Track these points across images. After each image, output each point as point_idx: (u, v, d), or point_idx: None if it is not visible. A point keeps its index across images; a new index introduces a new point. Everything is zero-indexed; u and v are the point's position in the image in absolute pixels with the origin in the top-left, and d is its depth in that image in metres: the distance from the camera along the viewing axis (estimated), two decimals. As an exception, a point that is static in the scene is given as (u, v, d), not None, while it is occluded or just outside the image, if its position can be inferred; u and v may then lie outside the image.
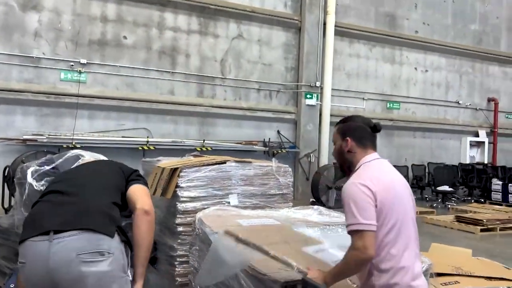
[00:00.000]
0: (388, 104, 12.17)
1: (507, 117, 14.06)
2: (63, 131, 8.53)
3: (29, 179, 3.73)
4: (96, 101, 8.79)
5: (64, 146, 8.18)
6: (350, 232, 1.79)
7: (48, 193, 2.13)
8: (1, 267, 3.68)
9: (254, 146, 9.98)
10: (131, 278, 1.86)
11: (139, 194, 2.16)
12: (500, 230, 7.49)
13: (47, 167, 3.81)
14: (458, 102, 13.18)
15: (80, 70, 8.69)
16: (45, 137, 8.22)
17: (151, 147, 9.10)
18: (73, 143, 8.32)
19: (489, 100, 13.69)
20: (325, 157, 10.57)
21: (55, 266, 1.67)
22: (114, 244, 1.74)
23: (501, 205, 10.47)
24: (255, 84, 10.39)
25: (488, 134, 13.64)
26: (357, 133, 2.03)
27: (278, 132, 10.58)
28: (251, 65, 10.36)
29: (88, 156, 3.93)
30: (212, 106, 9.82)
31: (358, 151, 2.01)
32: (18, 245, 1.86)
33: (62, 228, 1.73)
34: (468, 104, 13.37)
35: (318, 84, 10.71)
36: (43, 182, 3.71)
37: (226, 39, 10.09)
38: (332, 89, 10.74)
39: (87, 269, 1.66)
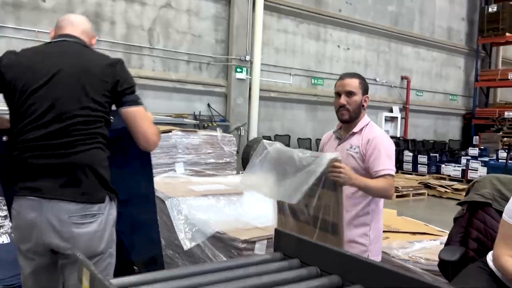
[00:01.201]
0: (312, 80, 12.64)
1: (417, 95, 15.28)
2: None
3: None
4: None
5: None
6: (384, 175, 2.16)
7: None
8: None
9: (185, 119, 9.89)
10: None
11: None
12: (412, 196, 8.28)
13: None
14: (375, 80, 14.03)
15: (-8, 34, 7.95)
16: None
17: None
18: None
19: (403, 78, 14.75)
20: (255, 131, 10.78)
21: (46, 225, 1.65)
22: (104, 204, 1.72)
23: (411, 174, 11.50)
24: (185, 56, 10.23)
25: (401, 110, 14.75)
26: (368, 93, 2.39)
27: (209, 105, 10.57)
28: (180, 35, 10.16)
29: None
30: (140, 77, 9.51)
31: (365, 109, 2.30)
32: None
33: (53, 195, 1.66)
34: (384, 81, 14.30)
35: (248, 58, 10.80)
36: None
37: (154, 7, 9.76)
38: (261, 63, 10.90)
39: (78, 231, 1.65)
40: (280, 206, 2.21)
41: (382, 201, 2.30)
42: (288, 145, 11.47)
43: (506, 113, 14.28)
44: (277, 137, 11.50)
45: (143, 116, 1.83)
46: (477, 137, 14.87)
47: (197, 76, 10.45)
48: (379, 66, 14.23)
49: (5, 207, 3.31)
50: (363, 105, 2.35)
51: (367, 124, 2.35)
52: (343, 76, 2.37)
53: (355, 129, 2.32)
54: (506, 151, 9.57)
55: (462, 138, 16.40)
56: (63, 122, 1.72)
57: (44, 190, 1.66)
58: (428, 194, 8.71)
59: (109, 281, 1.08)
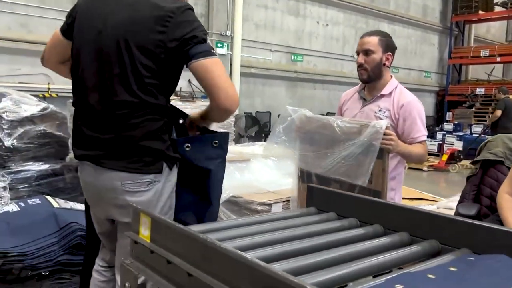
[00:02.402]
0: (292, 56, 12.63)
1: (394, 72, 15.51)
2: None
3: None
4: (-16, 42, 7.77)
5: (-51, 91, 7.18)
6: (421, 141, 2.20)
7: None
8: None
9: (166, 95, 9.76)
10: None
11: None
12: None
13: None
14: (353, 56, 14.13)
15: (-37, 5, 7.55)
16: None
17: (54, 95, 8.41)
18: (-39, 89, 7.33)
19: (379, 55, 14.92)
20: (235, 107, 10.74)
21: (102, 190, 1.64)
22: (161, 173, 1.64)
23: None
24: (164, 31, 10.02)
25: (377, 87, 14.96)
26: (394, 51, 2.26)
27: (189, 81, 10.43)
28: (160, 10, 9.93)
29: (15, 95, 3.61)
30: (119, 52, 9.29)
31: (389, 68, 2.24)
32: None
33: (106, 165, 1.63)
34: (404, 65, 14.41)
35: (228, 33, 10.68)
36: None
37: (133, -20, 9.47)
38: (241, 39, 10.80)
39: (132, 199, 1.58)
40: (303, 174, 2.19)
41: (404, 166, 2.35)
42: (269, 122, 11.52)
43: (477, 90, 14.71)
44: (258, 114, 11.52)
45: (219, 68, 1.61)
46: (450, 113, 15.29)
47: (177, 51, 10.27)
48: (357, 43, 14.31)
49: (4, 178, 3.23)
50: (384, 64, 2.28)
51: (396, 87, 2.30)
52: (363, 35, 2.35)
53: (384, 92, 2.27)
54: (483, 128, 9.89)
55: (436, 114, 16.83)
56: (107, 97, 1.65)
57: (98, 158, 1.63)
58: (408, 168, 8.95)
59: (179, 225, 1.08)
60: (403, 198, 3.67)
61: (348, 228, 1.45)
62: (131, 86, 1.58)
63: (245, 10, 11.14)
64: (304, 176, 2.20)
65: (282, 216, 1.54)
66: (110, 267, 1.90)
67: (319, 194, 1.67)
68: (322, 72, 13.24)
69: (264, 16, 11.90)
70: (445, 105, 16.31)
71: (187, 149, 1.70)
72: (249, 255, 1.00)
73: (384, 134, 1.91)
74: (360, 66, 2.27)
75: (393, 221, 1.42)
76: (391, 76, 2.34)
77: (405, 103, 2.24)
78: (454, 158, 9.17)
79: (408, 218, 1.39)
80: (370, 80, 2.29)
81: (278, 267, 0.94)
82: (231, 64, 10.75)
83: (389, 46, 2.31)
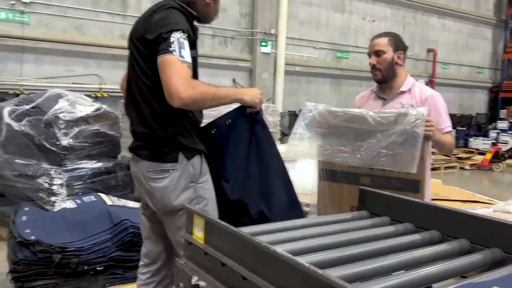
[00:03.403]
0: (337, 53, 12.44)
1: (443, 68, 14.96)
2: (7, 77, 7.90)
3: (7, 119, 3.54)
4: (42, 45, 8.17)
5: (10, 92, 7.60)
6: (448, 131, 2.22)
7: None
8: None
9: (211, 94, 9.89)
10: (206, 186, 1.84)
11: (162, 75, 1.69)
12: (444, 169, 8.19)
13: (27, 107, 3.62)
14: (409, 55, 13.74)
15: (22, 10, 7.97)
16: (-13, 82, 7.59)
17: (105, 94, 8.71)
18: (20, 89, 7.75)
19: (429, 50, 14.42)
20: (280, 106, 10.72)
21: (139, 177, 1.83)
22: (177, 162, 1.77)
23: (438, 148, 11.37)
24: (209, 30, 10.14)
25: (427, 84, 14.40)
26: (405, 50, 2.23)
27: (234, 80, 10.52)
28: (206, 10, 10.06)
29: (71, 96, 3.77)
30: (166, 52, 9.51)
31: (403, 66, 2.20)
32: None
33: (138, 155, 1.84)
34: (410, 54, 13.97)
35: (273, 31, 10.66)
36: (24, 122, 3.54)
37: (179, -18, 9.66)
38: (286, 37, 10.75)
39: (154, 185, 1.77)
40: (325, 172, 2.15)
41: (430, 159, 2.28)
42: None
43: (535, 86, 13.92)
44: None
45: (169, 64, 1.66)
46: (505, 110, 14.55)
47: (222, 50, 10.37)
48: (405, 39, 13.79)
49: (61, 176, 3.38)
50: (396, 62, 2.29)
51: (414, 84, 2.31)
52: (373, 37, 2.35)
53: (403, 88, 2.29)
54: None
55: (488, 112, 16.08)
56: (130, 94, 1.87)
57: (135, 149, 1.85)
58: (460, 168, 8.62)
59: (231, 226, 1.09)
60: (455, 200, 3.54)
61: (403, 233, 1.41)
62: (140, 80, 1.78)
63: (289, 7, 11.07)
64: (325, 174, 2.14)
65: (333, 219, 1.51)
66: (147, 264, 1.96)
67: (372, 197, 1.63)
68: (368, 69, 12.88)
69: (309, 13, 11.79)
70: (499, 102, 15.53)
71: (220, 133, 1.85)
72: (302, 260, 0.99)
73: (426, 121, 1.87)
74: (373, 68, 2.29)
75: (452, 227, 1.36)
76: (407, 75, 2.32)
77: (428, 96, 2.25)
78: (498, 157, 8.75)
79: (467, 224, 1.33)
80: (385, 80, 2.28)
81: (332, 274, 0.92)
82: (275, 63, 10.73)
83: (399, 45, 2.34)
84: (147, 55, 1.73)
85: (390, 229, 1.42)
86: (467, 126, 13.00)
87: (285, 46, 10.73)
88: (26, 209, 2.68)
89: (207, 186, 1.85)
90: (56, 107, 3.52)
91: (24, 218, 2.50)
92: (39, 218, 2.58)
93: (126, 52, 7.29)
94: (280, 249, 1.12)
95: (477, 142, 10.92)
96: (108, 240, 2.47)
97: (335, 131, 2.04)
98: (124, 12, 9.00)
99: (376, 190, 1.63)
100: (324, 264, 1.04)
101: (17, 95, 7.41)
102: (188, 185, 1.79)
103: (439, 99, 2.28)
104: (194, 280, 1.23)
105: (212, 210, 1.86)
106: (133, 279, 2.53)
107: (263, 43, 10.60)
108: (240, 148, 1.88)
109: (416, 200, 1.54)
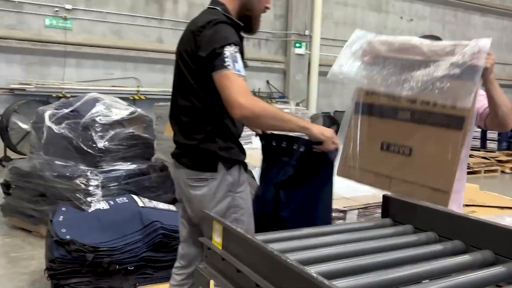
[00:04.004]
0: (373, 53, 12.23)
1: (486, 67, 14.41)
2: (51, 80, 8.27)
3: (48, 122, 3.70)
4: (83, 49, 8.50)
5: (54, 95, 7.97)
6: None
7: None
8: (25, 210, 3.69)
9: (245, 96, 9.96)
10: (244, 196, 1.87)
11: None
12: (484, 172, 7.90)
13: (66, 110, 3.77)
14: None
15: (65, 16, 8.32)
16: (33, 86, 7.97)
17: (142, 97, 8.97)
18: (63, 93, 8.10)
19: (470, 50, 13.93)
20: (314, 107, 10.67)
21: (180, 183, 1.89)
22: (217, 172, 1.79)
23: (479, 150, 10.95)
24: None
25: (467, 84, 13.99)
26: None
27: (268, 82, 10.56)
28: (240, 12, 10.15)
29: (107, 100, 3.90)
30: (202, 55, 9.66)
31: None
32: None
33: (179, 162, 1.88)
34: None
35: (307, 32, 10.62)
36: (63, 125, 3.69)
37: (214, -15, 9.79)
38: (320, 38, 10.69)
39: (193, 192, 1.81)
40: (361, 104, 1.99)
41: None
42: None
43: None
44: (336, 113, 11.33)
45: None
46: (553, 111, 13.83)
47: (256, 52, 10.43)
48: (445, 38, 13.27)
49: (97, 177, 3.50)
50: None
51: None
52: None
53: None
54: None
55: (534, 113, 15.33)
56: (174, 104, 1.89)
57: (176, 156, 1.90)
58: (502, 171, 8.29)
59: (247, 233, 1.11)
60: (492, 207, 3.41)
61: (425, 243, 1.38)
62: (184, 93, 1.81)
63: (324, 8, 11.00)
64: (361, 107, 1.99)
65: (354, 227, 1.51)
66: (183, 267, 2.00)
67: (394, 204, 1.61)
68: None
69: (344, 13, 11.67)
70: (547, 102, 14.79)
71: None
72: (314, 269, 1.00)
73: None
74: None
75: (476, 238, 1.33)
76: None
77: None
78: None
79: (491, 234, 1.29)
80: None
81: (342, 284, 0.93)
82: (309, 64, 10.69)
83: None
84: (194, 70, 1.75)
85: (411, 238, 1.40)
86: None
87: (319, 47, 10.66)
88: (63, 209, 2.80)
89: (244, 196, 1.87)
90: (93, 110, 3.66)
91: (61, 218, 2.62)
92: (74, 218, 2.69)
93: (162, 56, 7.60)
94: (295, 257, 1.14)
95: (521, 145, 10.45)
96: (139, 241, 2.55)
97: (383, 61, 1.87)
98: (160, 16, 9.22)
99: (401, 198, 1.61)
100: (336, 274, 1.04)
101: (60, 98, 7.75)
102: (227, 194, 1.81)
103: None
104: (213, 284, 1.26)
105: (248, 220, 1.88)
106: (163, 279, 2.60)
107: (297, 45, 10.59)
108: (301, 177, 1.88)
109: (441, 208, 1.51)
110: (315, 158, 1.80)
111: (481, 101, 1.99)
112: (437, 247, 1.34)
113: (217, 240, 1.25)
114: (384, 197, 1.66)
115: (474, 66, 1.66)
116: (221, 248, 1.22)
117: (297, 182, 1.89)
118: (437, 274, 1.15)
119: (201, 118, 1.78)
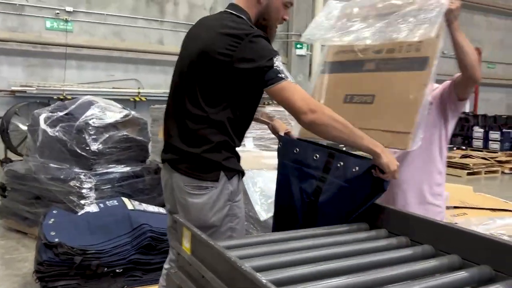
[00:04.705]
0: (375, 54, 12.21)
1: (489, 67, 14.33)
2: (52, 82, 8.33)
3: (43, 125, 3.73)
4: (84, 51, 8.55)
5: (55, 97, 8.01)
6: None
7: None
8: (20, 212, 3.73)
9: (245, 97, 9.97)
10: (240, 205, 1.85)
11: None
12: (484, 173, 7.87)
13: (60, 113, 3.80)
14: (443, 52, 13.15)
15: (66, 19, 8.38)
16: (34, 88, 8.03)
17: (143, 98, 9.00)
18: (64, 94, 8.16)
19: (473, 49, 13.86)
20: (315, 107, 10.65)
21: (173, 189, 1.83)
22: (218, 181, 1.76)
23: (482, 151, 10.90)
24: (245, 34, 10.24)
25: (470, 84, 13.92)
26: None
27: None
28: (241, 13, 10.17)
29: (101, 103, 3.93)
30: (202, 56, 9.68)
31: None
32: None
33: (175, 168, 1.81)
34: (453, 54, 13.42)
35: (308, 33, 10.62)
36: (58, 128, 3.72)
37: (215, -13, 9.82)
38: (321, 38, 10.67)
39: (190, 200, 1.75)
40: (328, 64, 2.01)
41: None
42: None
43: None
44: (338, 114, 11.31)
45: None
46: (557, 111, 13.75)
47: (257, 53, 10.43)
48: (447, 38, 13.42)
49: (90, 180, 3.53)
50: None
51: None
52: None
53: None
54: None
55: (539, 113, 15.24)
56: (174, 107, 1.84)
57: (171, 162, 1.83)
58: (502, 172, 8.25)
59: (211, 240, 1.13)
60: (485, 209, 3.41)
61: (396, 247, 1.40)
62: (195, 98, 1.74)
63: (325, 9, 10.99)
64: (328, 66, 2.00)
65: (331, 231, 1.52)
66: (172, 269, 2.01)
67: (372, 209, 1.62)
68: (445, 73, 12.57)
69: (346, 14, 11.65)
70: (551, 102, 14.70)
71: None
72: (278, 275, 1.02)
73: None
74: None
75: (445, 243, 1.34)
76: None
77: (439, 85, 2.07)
78: None
79: (459, 240, 1.30)
80: None
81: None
82: (310, 65, 10.68)
83: None
84: (221, 78, 1.69)
85: (381, 243, 1.41)
86: (514, 128, 12.38)
87: (321, 48, 10.65)
88: (54, 212, 2.83)
89: (241, 205, 1.86)
90: (87, 113, 3.69)
91: (51, 220, 2.65)
92: (64, 221, 2.72)
93: (163, 57, 7.59)
94: (263, 262, 1.16)
95: (524, 145, 10.39)
96: (127, 244, 2.57)
97: (354, 21, 1.89)
98: (161, 18, 9.26)
99: (394, 208, 1.61)
100: (298, 279, 1.05)
101: (61, 99, 7.80)
102: (226, 203, 1.79)
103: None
104: (183, 289, 1.28)
105: (241, 229, 1.86)
106: (151, 282, 2.62)
107: (298, 45, 10.58)
108: (347, 198, 1.67)
109: (410, 213, 1.52)
110: (370, 182, 1.60)
111: (441, 86, 2.05)
112: (407, 251, 1.35)
113: (186, 245, 1.27)
114: (379, 207, 1.64)
115: (438, 6, 1.66)
116: (189, 253, 1.24)
117: (340, 202, 1.69)
118: (401, 279, 1.16)
119: (211, 128, 1.73)
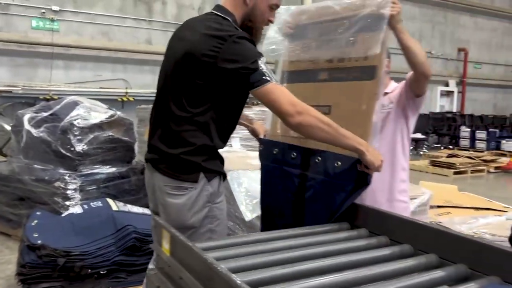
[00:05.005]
0: (363, 54, 12.28)
1: (476, 67, 14.50)
2: (38, 82, 8.25)
3: (27, 126, 3.69)
4: (71, 51, 8.49)
5: (41, 97, 7.95)
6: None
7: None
8: (4, 213, 3.69)
9: (234, 97, 9.96)
10: (221, 207, 1.84)
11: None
12: (470, 172, 7.96)
13: (45, 114, 3.77)
14: (430, 52, 13.43)
15: (52, 18, 8.30)
16: (19, 88, 7.95)
17: (131, 98, 8.96)
18: (50, 94, 8.09)
19: (459, 50, 14.03)
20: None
21: (154, 188, 1.82)
22: (198, 182, 1.75)
23: (468, 150, 11.02)
24: (234, 34, 10.24)
25: (457, 84, 14.09)
26: (389, 56, 2.15)
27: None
28: (229, 13, 10.16)
29: (87, 103, 3.90)
30: (191, 56, 9.66)
31: (388, 74, 2.15)
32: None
33: (156, 167, 1.80)
34: (440, 54, 13.66)
35: (296, 33, 10.64)
36: (42, 128, 3.69)
37: (203, -14, 9.81)
38: (310, 38, 10.70)
39: (169, 200, 1.75)
40: (285, 74, 2.03)
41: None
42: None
43: None
44: (327, 114, 11.36)
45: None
46: (542, 111, 13.97)
47: (246, 53, 10.43)
48: (434, 38, 13.60)
49: (75, 181, 3.51)
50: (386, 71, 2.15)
51: (397, 86, 2.17)
52: None
53: (388, 90, 2.16)
54: None
55: (525, 113, 15.47)
56: (159, 108, 1.84)
57: (152, 161, 1.83)
58: (488, 171, 8.35)
59: (189, 242, 1.13)
60: (468, 208, 3.45)
61: (375, 247, 1.41)
62: (180, 100, 1.74)
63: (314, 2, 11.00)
64: (285, 76, 2.04)
65: (312, 231, 1.53)
66: None
67: (352, 209, 1.63)
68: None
69: (334, 15, 11.70)
70: (536, 102, 14.92)
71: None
72: (245, 277, 1.02)
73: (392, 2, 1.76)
74: None
75: (423, 242, 1.36)
76: (391, 80, 2.22)
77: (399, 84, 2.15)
78: None
79: (437, 239, 1.32)
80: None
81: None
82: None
83: (387, 52, 2.17)
84: (205, 79, 1.68)
85: (361, 242, 1.42)
86: (501, 127, 12.56)
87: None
88: (38, 213, 2.80)
89: (222, 207, 1.85)
90: (72, 114, 3.66)
91: (34, 222, 2.62)
92: (48, 222, 2.69)
93: (151, 57, 7.57)
94: (241, 263, 1.16)
95: (510, 144, 10.52)
96: (111, 245, 2.55)
97: (304, 29, 1.95)
98: (149, 17, 9.22)
99: (374, 208, 1.62)
100: (276, 280, 1.06)
101: (47, 100, 7.73)
102: (205, 204, 1.78)
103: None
104: (163, 290, 1.27)
105: (221, 231, 1.85)
106: (136, 283, 2.61)
107: (287, 46, 10.61)
108: (330, 194, 1.70)
109: (390, 213, 1.54)
110: (354, 176, 1.62)
111: (398, 86, 2.12)
112: (386, 251, 1.36)
113: (165, 247, 1.27)
114: (359, 206, 1.66)
115: (380, 15, 1.71)
116: (169, 255, 1.24)
117: (324, 198, 1.71)
118: (380, 279, 1.17)
119: (195, 130, 1.72)
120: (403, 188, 2.13)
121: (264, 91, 1.61)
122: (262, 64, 1.62)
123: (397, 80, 2.22)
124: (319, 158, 1.72)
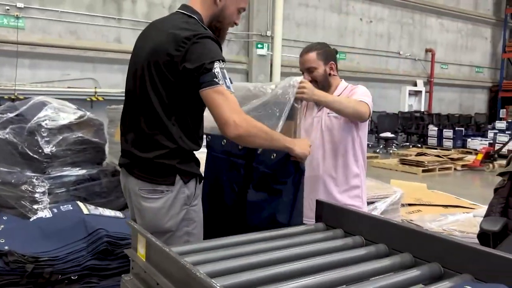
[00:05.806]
0: (334, 54, 12.43)
1: (442, 67, 14.92)
2: (2, 81, 7.97)
3: (-9, 127, 3.55)
4: (38, 49, 8.23)
5: (5, 97, 7.68)
6: (360, 101, 2.12)
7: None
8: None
9: (207, 96, 9.91)
10: (197, 209, 1.82)
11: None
12: (438, 170, 8.19)
13: (10, 114, 3.64)
14: (399, 53, 13.74)
15: (17, 15, 8.03)
16: (-17, 87, 7.67)
17: (100, 98, 8.77)
18: (15, 94, 7.83)
19: (427, 51, 14.40)
20: (276, 107, 10.72)
21: (130, 193, 1.81)
22: (174, 185, 1.72)
23: (436, 149, 11.33)
24: (206, 33, 10.18)
25: (425, 84, 14.45)
26: (335, 58, 2.21)
27: (231, 82, 10.54)
28: (201, 12, 10.09)
29: (55, 103, 3.79)
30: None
31: (336, 74, 2.19)
32: None
33: (130, 172, 1.78)
34: (408, 54, 13.99)
35: (269, 33, 10.68)
36: (8, 130, 3.56)
37: (174, -15, 9.70)
38: (282, 39, 10.76)
39: (145, 204, 1.72)
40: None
41: (365, 164, 2.28)
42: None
43: (535, 85, 13.87)
44: (299, 113, 11.43)
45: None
46: (504, 110, 14.50)
47: (218, 53, 10.39)
48: (403, 39, 13.91)
49: (44, 183, 3.40)
50: (330, 73, 2.20)
51: (347, 87, 2.25)
52: (301, 53, 2.23)
53: (336, 93, 2.23)
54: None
55: (488, 112, 16.03)
56: (130, 113, 1.80)
57: (126, 166, 1.81)
58: (455, 169, 8.60)
59: (166, 247, 1.11)
60: (438, 205, 3.54)
61: (351, 247, 1.42)
62: (149, 102, 1.70)
63: (286, 9, 11.07)
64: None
65: (288, 232, 1.53)
66: None
67: (327, 209, 1.65)
68: (366, 70, 12.95)
69: (305, 15, 11.81)
70: (499, 101, 15.49)
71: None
72: (223, 281, 1.01)
73: (299, 87, 1.87)
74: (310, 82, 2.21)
75: (398, 242, 1.38)
76: (341, 80, 2.27)
77: (350, 90, 2.21)
78: (489, 157, 8.70)
79: (411, 238, 1.34)
80: (324, 90, 2.21)
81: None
82: (271, 65, 10.75)
83: (328, 56, 2.21)
84: (171, 80, 1.64)
85: (337, 243, 1.44)
86: (466, 126, 12.98)
87: (281, 48, 10.72)
88: (4, 218, 2.70)
89: (198, 209, 1.82)
90: (40, 115, 3.54)
91: (0, 227, 2.52)
92: (15, 227, 2.59)
93: (121, 56, 7.41)
94: (217, 267, 1.15)
95: (474, 143, 10.89)
96: (83, 249, 2.48)
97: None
98: (119, 16, 9.04)
99: (331, 202, 1.65)
100: (255, 283, 1.05)
101: (12, 100, 7.47)
102: (183, 207, 1.75)
103: (360, 89, 2.22)
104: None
105: (198, 233, 1.83)
106: (109, 287, 2.55)
107: (259, 45, 10.63)
108: (272, 183, 1.85)
109: (366, 213, 1.56)
110: (288, 165, 1.78)
111: (347, 89, 2.23)
112: (362, 251, 1.38)
113: (141, 252, 1.24)
114: (317, 202, 1.69)
115: (284, 99, 1.83)
116: (144, 260, 1.21)
117: (266, 188, 1.85)
118: (356, 279, 1.18)
119: (166, 132, 1.69)
120: (356, 194, 2.22)
121: (209, 93, 1.57)
122: (218, 67, 1.58)
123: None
124: (260, 149, 1.87)
